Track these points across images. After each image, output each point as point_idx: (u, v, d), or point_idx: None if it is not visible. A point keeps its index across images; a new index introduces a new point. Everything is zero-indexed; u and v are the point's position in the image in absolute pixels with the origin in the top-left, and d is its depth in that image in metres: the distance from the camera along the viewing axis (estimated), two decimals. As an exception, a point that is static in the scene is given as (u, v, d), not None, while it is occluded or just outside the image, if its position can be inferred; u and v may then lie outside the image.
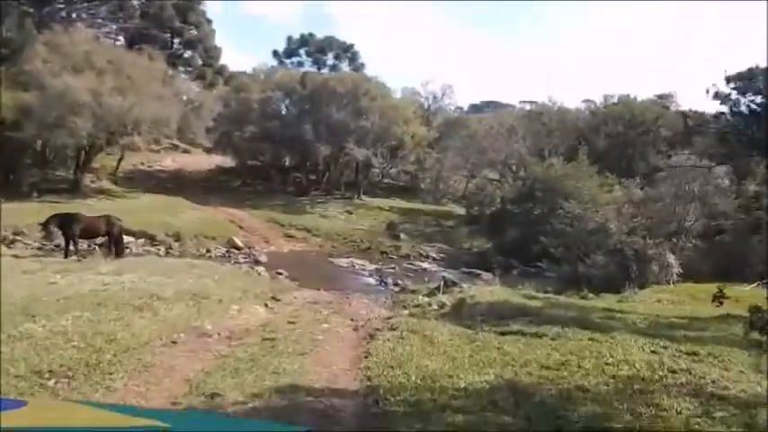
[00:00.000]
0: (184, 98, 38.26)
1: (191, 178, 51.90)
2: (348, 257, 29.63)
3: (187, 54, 61.03)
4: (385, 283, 24.00)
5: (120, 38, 51.49)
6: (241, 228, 33.82)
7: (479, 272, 28.03)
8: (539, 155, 37.85)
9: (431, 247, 33.77)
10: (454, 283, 18.33)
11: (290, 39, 70.39)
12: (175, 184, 47.60)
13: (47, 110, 29.52)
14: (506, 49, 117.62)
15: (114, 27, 48.44)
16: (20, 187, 32.84)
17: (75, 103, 28.62)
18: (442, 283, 17.88)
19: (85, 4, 42.50)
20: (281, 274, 23.16)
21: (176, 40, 61.09)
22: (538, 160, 35.62)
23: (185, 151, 64.71)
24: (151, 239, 27.34)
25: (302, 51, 68.65)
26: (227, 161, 56.37)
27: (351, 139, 43.10)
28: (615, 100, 43.56)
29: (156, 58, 37.10)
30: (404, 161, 47.76)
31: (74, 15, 40.34)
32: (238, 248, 28.92)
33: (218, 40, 65.08)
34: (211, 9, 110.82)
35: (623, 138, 41.71)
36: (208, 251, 27.85)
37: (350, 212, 41.84)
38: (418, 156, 47.61)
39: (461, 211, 45.35)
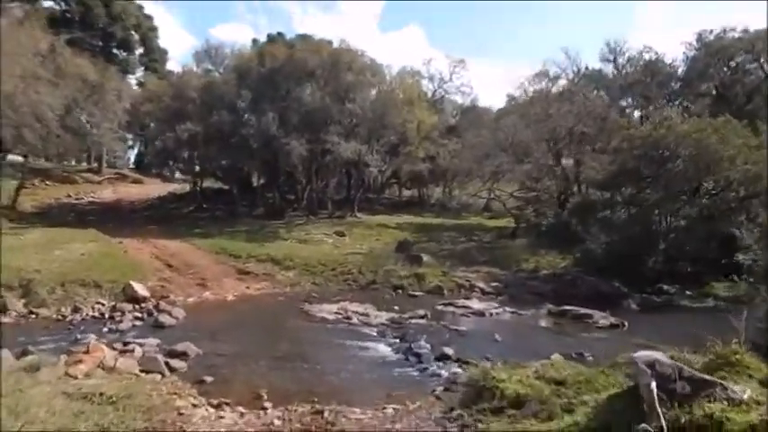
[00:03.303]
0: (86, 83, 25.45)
1: (130, 209, 39.77)
2: (338, 301, 16.73)
3: (122, 56, 48.64)
4: (416, 354, 10.99)
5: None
6: (169, 266, 21.07)
7: (582, 310, 15.21)
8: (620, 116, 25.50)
9: (473, 272, 20.87)
10: (702, 383, 5.16)
11: (255, 41, 58.62)
12: (104, 216, 35.44)
13: None
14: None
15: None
16: None
17: None
18: (653, 389, 4.88)
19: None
20: (175, 358, 10.21)
21: (113, 44, 49.03)
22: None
23: (136, 181, 52.89)
24: (-39, 297, 14.44)
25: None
26: (183, 188, 44.67)
27: (333, 131, 30.55)
28: (712, 38, 31.10)
29: (34, 26, 24.65)
30: (410, 159, 34.95)
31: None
32: (139, 301, 16.02)
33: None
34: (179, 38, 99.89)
35: (741, 82, 29.11)
36: (76, 310, 14.92)
37: (341, 234, 29.08)
38: (428, 151, 34.92)
39: (494, 223, 32.85)
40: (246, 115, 30.64)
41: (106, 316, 14.54)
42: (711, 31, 30.66)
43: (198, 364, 10.09)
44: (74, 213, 35.93)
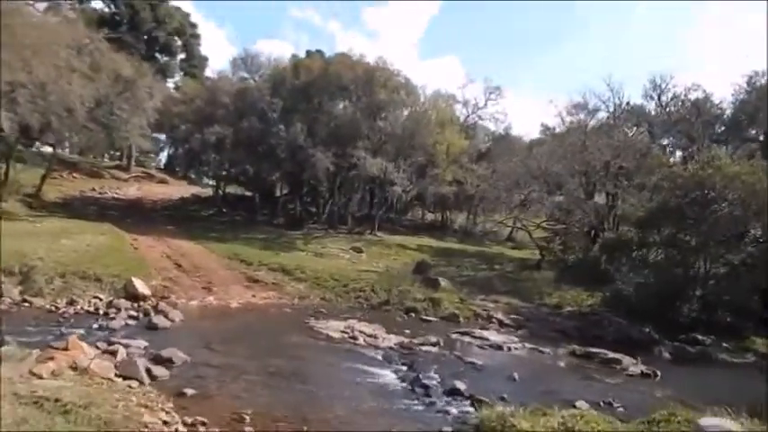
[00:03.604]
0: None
1: (151, 208, 39.64)
2: (346, 319, 15.76)
3: (164, 60, 49.03)
4: (424, 386, 9.88)
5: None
6: (178, 266, 20.46)
7: (610, 354, 13.94)
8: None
9: (492, 302, 19.71)
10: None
11: (294, 56, 58.83)
12: (125, 212, 35.41)
13: None
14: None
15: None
16: None
17: None
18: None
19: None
20: (159, 364, 9.31)
21: (156, 48, 49.48)
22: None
23: (162, 182, 53.01)
24: (-45, 279, 13.89)
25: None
26: (206, 192, 44.61)
27: (360, 145, 29.85)
28: (764, 81, 29.52)
29: (74, 21, 24.65)
30: (436, 181, 34.01)
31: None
32: (138, 298, 15.29)
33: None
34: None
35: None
36: (71, 302, 14.23)
37: (358, 250, 28.16)
38: (456, 175, 33.97)
39: (517, 254, 31.57)
40: (276, 125, 30.22)
41: (100, 312, 13.81)
42: (763, 74, 29.27)
43: (182, 374, 9.19)
44: (96, 207, 35.93)
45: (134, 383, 8.11)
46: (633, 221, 18.94)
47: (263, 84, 32.49)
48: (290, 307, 17.51)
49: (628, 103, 28.81)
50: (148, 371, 8.72)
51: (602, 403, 9.96)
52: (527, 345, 14.75)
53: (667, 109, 28.49)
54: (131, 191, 45.51)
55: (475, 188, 32.71)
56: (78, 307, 14.01)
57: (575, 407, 9.32)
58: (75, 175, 45.93)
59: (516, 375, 11.16)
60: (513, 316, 18.23)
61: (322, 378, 10.10)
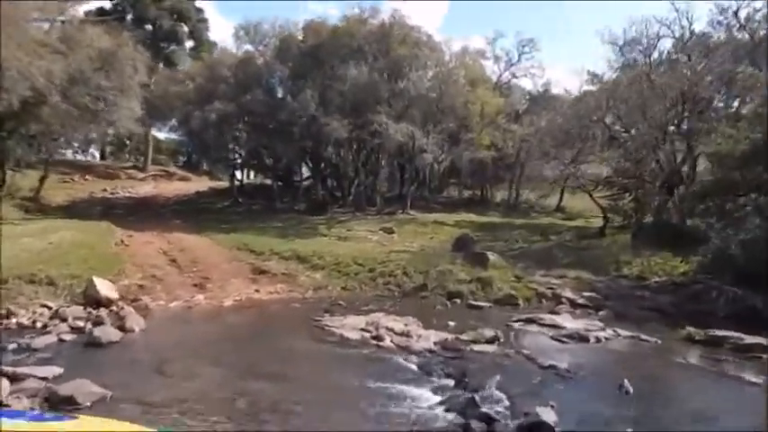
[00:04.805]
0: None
1: (161, 204, 36.83)
2: (370, 312, 11.96)
3: (171, 49, 46.15)
4: (484, 416, 5.95)
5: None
6: (172, 262, 17.08)
7: (746, 338, 9.74)
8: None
9: (556, 277, 15.57)
10: None
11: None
12: (131, 210, 32.96)
13: None
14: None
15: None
16: None
17: None
18: None
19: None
20: (53, 408, 5.70)
21: (161, 36, 46.61)
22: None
23: (183, 179, 50.47)
24: None
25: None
26: (223, 183, 41.75)
27: (382, 111, 25.86)
28: None
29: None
30: (473, 146, 29.74)
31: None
32: (101, 303, 11.83)
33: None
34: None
35: None
36: (8, 315, 10.77)
37: (389, 231, 24.33)
38: (493, 138, 29.66)
39: (571, 223, 27.30)
40: (285, 96, 26.56)
41: (38, 324, 10.33)
42: None
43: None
44: (101, 207, 33.40)
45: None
46: (737, 156, 14.29)
47: (268, 52, 28.80)
48: (301, 301, 13.80)
49: (693, 32, 23.50)
50: (13, 427, 5.10)
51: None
52: (620, 331, 10.59)
53: (747, 29, 22.91)
54: (145, 189, 43.05)
55: (516, 151, 28.31)
56: (13, 320, 10.60)
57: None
58: (87, 177, 43.92)
59: (628, 384, 7.08)
60: (586, 293, 14.06)
61: (320, 413, 6.32)
